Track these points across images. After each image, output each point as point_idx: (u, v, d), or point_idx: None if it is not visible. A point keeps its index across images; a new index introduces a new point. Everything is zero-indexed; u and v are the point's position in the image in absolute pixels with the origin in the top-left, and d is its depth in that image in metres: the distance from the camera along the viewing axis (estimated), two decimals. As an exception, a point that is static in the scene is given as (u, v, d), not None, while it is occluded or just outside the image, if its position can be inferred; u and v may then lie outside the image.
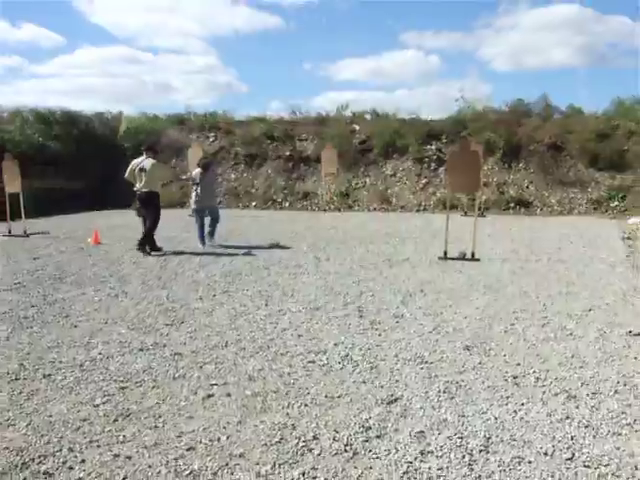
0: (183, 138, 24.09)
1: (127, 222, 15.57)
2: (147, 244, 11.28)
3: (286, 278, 8.95)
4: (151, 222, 11.32)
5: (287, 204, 21.50)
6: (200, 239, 12.09)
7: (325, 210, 20.38)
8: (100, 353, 5.59)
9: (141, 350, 5.66)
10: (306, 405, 4.41)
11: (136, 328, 6.40)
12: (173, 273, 9.33)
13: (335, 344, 5.80)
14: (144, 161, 11.28)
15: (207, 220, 12.31)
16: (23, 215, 14.06)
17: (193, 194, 12.33)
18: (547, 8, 57.31)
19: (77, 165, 20.35)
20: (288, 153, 22.92)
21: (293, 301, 7.55)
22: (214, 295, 7.89)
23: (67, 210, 18.50)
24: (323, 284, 8.52)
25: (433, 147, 21.82)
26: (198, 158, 18.61)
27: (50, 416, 4.24)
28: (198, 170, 12.26)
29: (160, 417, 4.22)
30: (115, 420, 4.17)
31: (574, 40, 55.34)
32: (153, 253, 11.20)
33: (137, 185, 11.24)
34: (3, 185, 14.07)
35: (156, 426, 4.08)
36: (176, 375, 5.02)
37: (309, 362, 5.32)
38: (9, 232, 13.83)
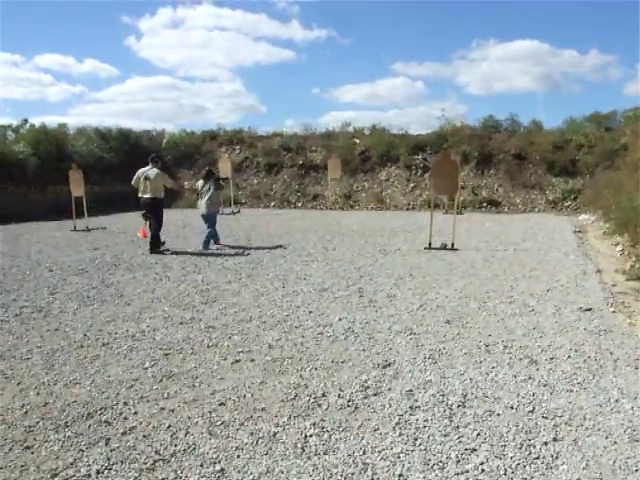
0: (214, 150, 24.06)
1: (169, 219, 15.57)
2: (154, 243, 10.30)
3: (299, 264, 8.94)
4: (156, 224, 10.34)
5: (300, 204, 21.43)
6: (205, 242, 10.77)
7: (331, 209, 20.33)
8: (148, 326, 5.62)
9: (181, 324, 5.69)
10: (316, 369, 4.43)
11: (177, 305, 6.43)
12: (206, 261, 9.34)
13: (339, 319, 5.81)
14: (149, 170, 10.31)
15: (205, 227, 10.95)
16: (86, 214, 14.11)
17: (198, 202, 10.98)
18: (511, 43, 57.12)
19: (129, 173, 20.27)
20: (301, 162, 22.84)
21: (305, 283, 7.55)
22: (240, 279, 7.89)
23: (120, 210, 18.48)
24: (330, 269, 8.51)
25: (420, 157, 21.76)
26: (227, 167, 18.76)
27: (109, 377, 4.28)
28: (200, 181, 11.00)
29: (197, 378, 4.24)
30: (161, 380, 4.20)
31: (533, 70, 55.06)
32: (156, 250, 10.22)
33: (141, 192, 10.33)
34: (70, 190, 14.12)
35: (194, 385, 4.11)
36: (210, 344, 5.05)
37: (318, 334, 5.33)
38: (74, 228, 13.87)
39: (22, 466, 3.05)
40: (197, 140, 24.96)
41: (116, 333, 5.39)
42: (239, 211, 19.01)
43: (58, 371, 4.43)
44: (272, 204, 21.57)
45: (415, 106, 57.84)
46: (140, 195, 10.40)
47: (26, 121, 21.88)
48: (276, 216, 17.75)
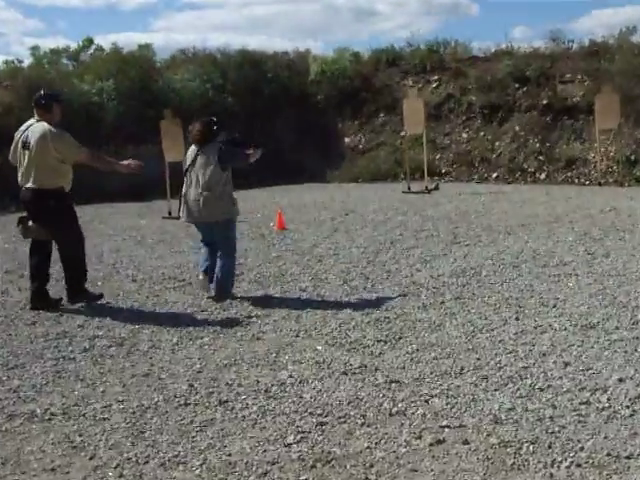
0: (395, 85, 24.36)
1: (320, 199, 16.05)
2: (73, 294, 8.26)
3: (544, 281, 8.85)
4: (64, 253, 8.31)
5: (543, 175, 21.06)
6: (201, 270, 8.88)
7: (600, 184, 19.71)
8: (291, 376, 5.85)
9: (345, 374, 5.85)
10: (579, 465, 4.30)
11: (337, 344, 6.64)
12: (384, 271, 9.55)
13: (620, 379, 5.62)
14: (29, 129, 8.16)
15: (205, 250, 8.96)
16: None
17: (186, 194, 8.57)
18: None
19: (252, 122, 20.69)
20: (545, 102, 22.39)
21: (556, 314, 7.45)
22: (442, 302, 7.99)
23: (243, 184, 19.14)
24: (600, 291, 8.29)
25: None
26: (418, 112, 18.89)
27: (229, 455, 4.48)
28: (192, 148, 8.73)
29: (372, 466, 4.31)
30: (313, 466, 4.32)
31: None
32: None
33: (19, 176, 8.29)
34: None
35: (367, 478, 4.19)
36: (393, 410, 5.13)
37: (581, 403, 5.20)
38: (169, 213, 14.99)
39: None
40: (365, 67, 25.47)
41: (240, 385, 5.68)
42: (436, 187, 19.09)
43: (150, 442, 4.75)
44: (494, 175, 21.48)
45: None
46: (19, 182, 8.39)
47: (91, 42, 23.70)
48: (500, 196, 17.64)
